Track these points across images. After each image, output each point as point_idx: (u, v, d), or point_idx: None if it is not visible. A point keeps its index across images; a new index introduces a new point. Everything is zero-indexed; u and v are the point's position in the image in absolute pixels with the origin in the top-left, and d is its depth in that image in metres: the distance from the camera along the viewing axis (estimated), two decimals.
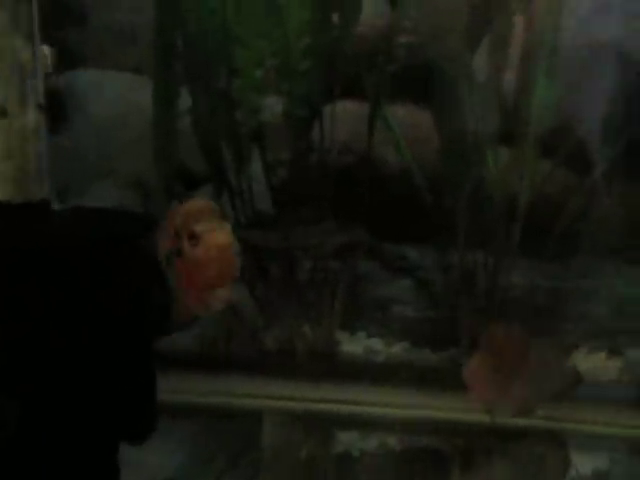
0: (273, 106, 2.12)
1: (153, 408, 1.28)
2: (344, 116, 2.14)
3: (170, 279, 1.22)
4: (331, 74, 2.09)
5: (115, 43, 2.42)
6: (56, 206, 1.42)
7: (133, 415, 1.21)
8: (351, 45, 2.09)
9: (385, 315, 2.19)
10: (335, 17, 2.09)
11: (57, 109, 2.31)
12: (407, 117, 2.18)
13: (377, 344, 2.16)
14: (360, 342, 2.18)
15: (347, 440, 2.01)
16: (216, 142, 2.14)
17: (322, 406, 2.01)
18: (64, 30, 2.34)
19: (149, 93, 2.14)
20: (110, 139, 2.36)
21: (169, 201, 2.18)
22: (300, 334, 2.14)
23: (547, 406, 1.90)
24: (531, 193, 2.05)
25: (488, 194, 2.06)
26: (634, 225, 2.13)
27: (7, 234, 1.22)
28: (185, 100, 2.16)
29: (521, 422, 1.89)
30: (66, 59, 2.35)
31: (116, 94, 2.39)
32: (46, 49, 1.96)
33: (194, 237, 1.19)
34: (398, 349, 2.16)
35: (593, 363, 2.06)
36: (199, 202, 1.22)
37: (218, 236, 1.18)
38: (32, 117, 1.85)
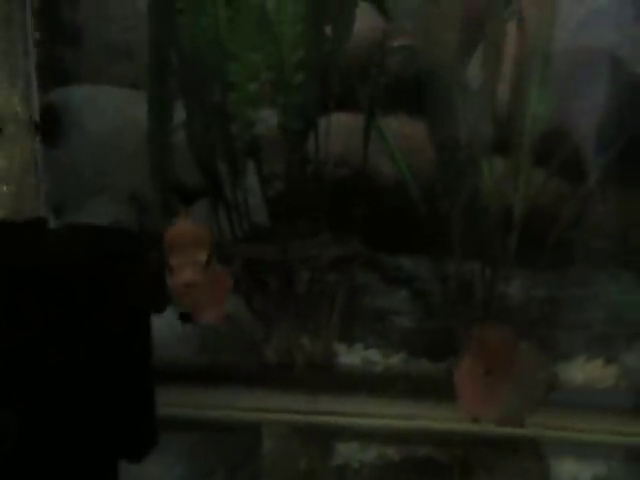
0: (268, 119, 2.15)
1: (152, 426, 1.31)
2: (339, 128, 2.17)
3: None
4: (325, 87, 2.12)
5: (111, 59, 2.45)
6: (52, 222, 1.45)
7: (131, 432, 1.24)
8: (344, 58, 2.13)
9: (382, 326, 2.21)
10: (328, 30, 2.13)
11: (52, 125, 2.34)
12: (401, 128, 2.21)
13: (375, 355, 2.19)
14: (358, 353, 2.21)
15: (346, 451, 2.02)
16: (211, 156, 2.17)
17: (321, 418, 2.03)
18: (59, 47, 2.38)
19: (145, 108, 2.17)
20: (106, 154, 2.39)
21: (165, 216, 2.21)
22: (298, 346, 2.16)
23: (543, 414, 1.94)
24: (526, 202, 2.08)
25: (483, 204, 2.09)
26: (629, 231, 2.16)
27: (3, 252, 1.25)
28: (180, 114, 2.20)
29: (518, 431, 1.92)
30: (61, 75, 2.39)
31: (112, 109, 2.41)
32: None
33: (169, 268, 1.20)
34: (396, 360, 2.18)
35: (590, 371, 2.09)
36: (183, 227, 1.22)
37: (185, 274, 1.18)
38: (27, 134, 1.89)
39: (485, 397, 1.29)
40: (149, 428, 1.31)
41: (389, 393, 2.04)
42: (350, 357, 2.19)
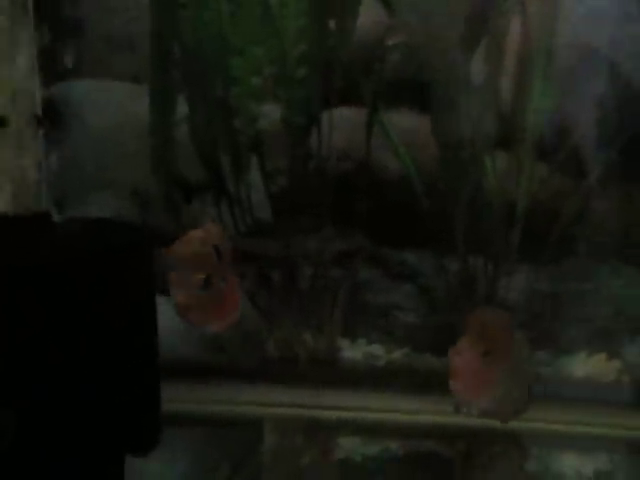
0: (271, 114, 2.17)
1: (157, 420, 1.32)
2: (342, 123, 2.19)
3: None
4: (328, 81, 2.15)
5: (112, 51, 2.46)
6: (55, 217, 1.46)
7: (137, 427, 1.25)
8: (348, 52, 2.15)
9: (386, 321, 2.24)
10: (332, 24, 2.16)
11: (54, 119, 2.36)
12: (404, 123, 2.23)
13: (378, 350, 2.22)
14: (361, 348, 2.24)
15: (349, 446, 2.06)
16: (214, 150, 2.20)
17: (324, 412, 2.07)
18: (61, 40, 2.39)
19: (147, 102, 2.20)
20: (107, 149, 2.40)
21: (168, 210, 2.23)
22: (301, 341, 2.19)
23: (544, 408, 1.97)
24: (529, 198, 2.10)
25: (486, 199, 2.12)
26: (630, 227, 2.18)
27: (10, 246, 1.26)
28: (182, 108, 2.22)
29: (520, 425, 1.95)
30: (63, 69, 2.41)
31: (114, 103, 2.43)
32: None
33: (169, 280, 1.19)
34: (399, 355, 2.21)
35: (593, 365, 2.11)
36: (187, 244, 1.18)
37: (179, 297, 1.17)
38: (30, 128, 1.91)
39: (480, 379, 1.29)
40: (155, 422, 1.33)
41: (392, 388, 2.07)
42: (353, 352, 2.22)
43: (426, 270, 2.23)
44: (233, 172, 2.19)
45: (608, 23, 2.10)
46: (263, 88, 2.14)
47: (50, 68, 2.29)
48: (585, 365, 2.13)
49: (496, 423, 1.97)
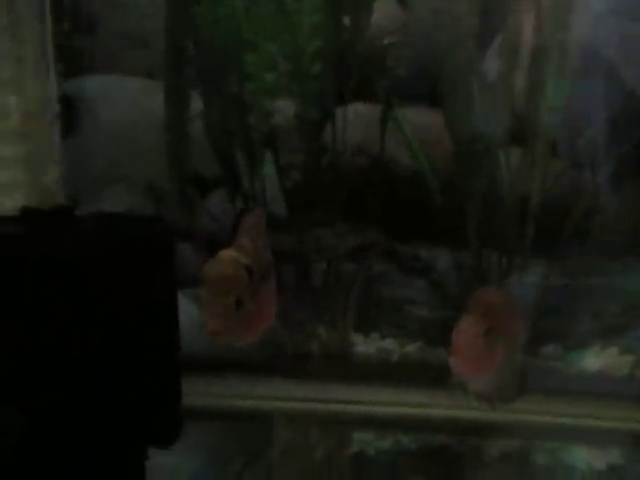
0: (285, 109, 2.21)
1: (179, 411, 1.35)
2: (356, 118, 2.24)
3: None
4: (342, 77, 2.19)
5: (127, 47, 2.50)
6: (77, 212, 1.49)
7: (159, 418, 1.27)
8: (362, 48, 2.19)
9: (399, 316, 2.27)
10: (346, 20, 2.19)
11: (68, 115, 2.40)
12: (418, 118, 2.27)
13: (391, 344, 2.25)
14: (374, 343, 2.27)
15: (362, 440, 2.10)
16: (229, 146, 2.24)
17: (337, 406, 2.10)
18: (75, 36, 2.43)
19: (162, 97, 2.24)
20: (121, 145, 2.44)
21: (182, 206, 2.27)
22: (315, 336, 2.23)
23: (556, 402, 2.01)
24: (542, 193, 2.14)
25: (500, 194, 2.15)
26: None
27: (33, 240, 1.31)
28: (197, 105, 2.26)
29: (532, 418, 2.00)
30: (77, 65, 2.45)
31: (128, 99, 2.47)
32: None
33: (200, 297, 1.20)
34: (412, 349, 2.25)
35: (605, 360, 2.15)
36: (217, 267, 1.14)
37: (209, 323, 1.13)
38: (47, 123, 1.96)
39: (481, 358, 1.26)
40: (176, 415, 1.37)
41: (405, 382, 2.10)
42: (366, 346, 2.26)
43: (440, 265, 2.26)
44: (247, 167, 2.23)
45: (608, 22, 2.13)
46: (277, 84, 2.17)
47: (65, 64, 2.33)
48: (597, 359, 2.16)
49: (509, 417, 2.02)
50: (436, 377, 1.89)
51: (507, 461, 1.97)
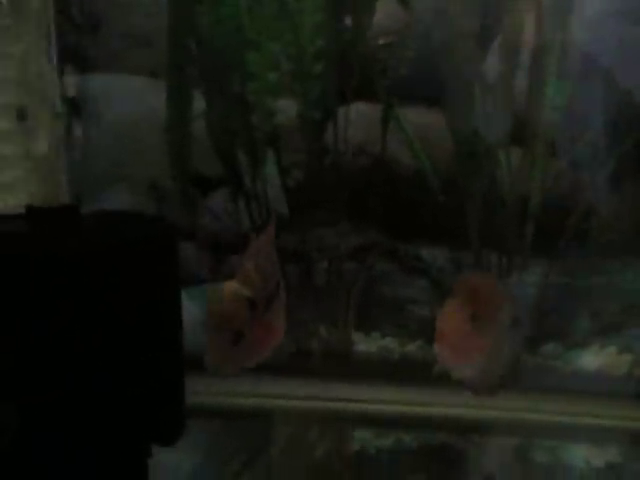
0: (287, 109, 2.23)
1: (182, 409, 1.36)
2: (358, 118, 2.26)
3: None
4: (344, 77, 2.21)
5: (130, 47, 2.52)
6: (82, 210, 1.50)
7: (163, 416, 1.28)
8: (364, 47, 2.20)
9: (400, 315, 2.29)
10: (348, 20, 2.21)
11: (70, 114, 2.42)
12: (419, 118, 2.29)
13: (392, 343, 2.27)
14: (375, 342, 2.29)
15: (363, 438, 2.11)
16: (231, 145, 2.26)
17: (338, 405, 2.13)
18: (78, 35, 2.45)
19: (163, 97, 2.26)
20: (125, 143, 2.46)
21: (184, 205, 2.29)
22: (316, 335, 2.25)
23: (555, 400, 2.03)
24: (542, 193, 2.16)
25: (501, 194, 2.17)
26: None
27: (38, 238, 1.32)
28: (199, 104, 2.27)
29: (533, 417, 2.02)
30: (80, 64, 2.47)
31: (131, 98, 2.49)
32: None
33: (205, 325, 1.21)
34: (413, 347, 2.27)
35: (604, 358, 2.17)
36: (218, 301, 1.17)
37: (210, 355, 1.16)
38: (51, 121, 1.98)
39: (467, 344, 1.27)
40: (179, 413, 1.38)
41: (406, 381, 2.12)
42: (367, 345, 2.28)
43: (441, 264, 2.28)
44: (250, 167, 2.26)
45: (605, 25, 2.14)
46: (280, 84, 2.19)
47: (67, 63, 2.35)
48: (596, 358, 2.18)
49: (509, 415, 2.04)
50: (437, 376, 1.91)
51: (506, 459, 1.99)
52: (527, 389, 2.11)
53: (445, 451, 2.00)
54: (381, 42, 2.21)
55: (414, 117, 2.30)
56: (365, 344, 2.30)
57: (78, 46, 2.48)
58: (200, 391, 2.03)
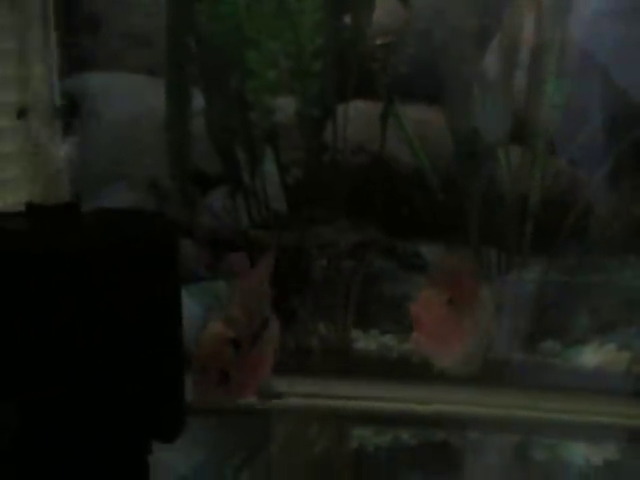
0: (286, 107, 2.24)
1: (183, 405, 1.37)
2: (357, 116, 2.26)
3: None
4: (343, 74, 2.21)
5: (129, 45, 2.53)
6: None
7: (163, 412, 1.28)
8: (363, 46, 2.21)
9: (399, 312, 2.29)
10: (347, 18, 2.22)
11: (70, 112, 2.43)
12: (418, 116, 2.30)
13: (390, 340, 2.28)
14: (374, 339, 2.30)
15: (362, 435, 2.12)
16: (230, 143, 2.27)
17: (337, 402, 2.13)
18: (77, 33, 2.46)
19: (163, 95, 2.26)
20: (123, 142, 2.47)
21: (184, 203, 2.30)
22: (315, 332, 2.25)
23: (554, 398, 2.04)
24: (541, 191, 2.17)
25: (500, 192, 2.18)
26: None
27: (39, 235, 1.33)
28: (198, 102, 2.28)
29: (532, 414, 2.03)
30: (79, 62, 2.48)
31: (130, 96, 2.50)
32: None
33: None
34: (411, 345, 2.27)
35: (603, 356, 2.18)
36: (202, 345, 1.16)
37: (194, 396, 1.16)
38: (51, 119, 1.99)
39: (445, 330, 1.21)
40: (179, 410, 1.39)
41: (404, 378, 2.12)
42: (366, 342, 2.29)
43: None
44: (249, 164, 2.26)
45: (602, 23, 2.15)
46: (279, 81, 2.20)
47: (67, 62, 2.36)
48: (595, 356, 2.19)
49: (509, 412, 2.05)
50: (435, 373, 1.92)
51: (506, 456, 2.00)
52: (526, 387, 2.12)
53: (444, 448, 2.01)
54: (379, 42, 2.22)
55: (414, 115, 2.31)
56: (364, 341, 2.31)
57: (78, 45, 2.49)
58: None
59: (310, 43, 2.20)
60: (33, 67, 2.10)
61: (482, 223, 2.20)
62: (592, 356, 2.21)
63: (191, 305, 2.08)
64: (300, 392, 2.13)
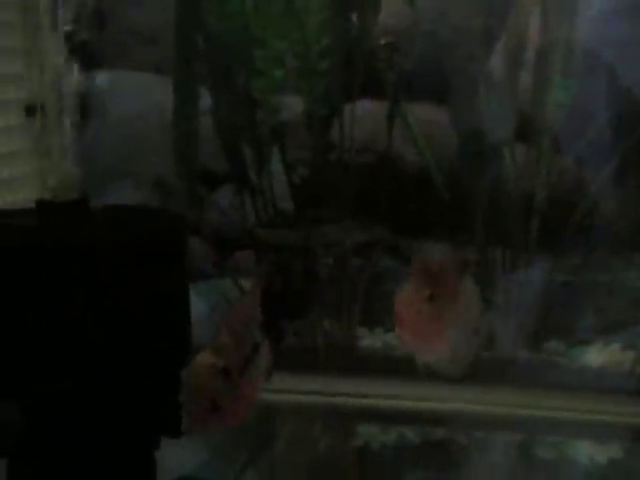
0: (293, 106, 2.25)
1: None
2: (364, 115, 2.28)
3: None
4: (350, 73, 2.23)
5: (136, 43, 2.54)
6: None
7: (171, 410, 1.30)
8: (369, 45, 2.23)
9: None
10: (354, 17, 2.23)
11: (78, 109, 2.44)
12: (424, 115, 2.31)
13: (395, 338, 2.29)
14: (379, 337, 2.31)
15: (367, 433, 2.14)
16: (237, 142, 2.28)
17: (342, 400, 2.14)
18: (85, 31, 2.48)
19: (170, 93, 2.27)
20: (130, 139, 2.49)
21: (191, 201, 2.31)
22: (320, 330, 2.27)
23: (559, 397, 2.05)
24: (547, 189, 2.18)
25: (505, 191, 2.19)
26: None
27: (49, 231, 1.34)
28: (205, 100, 2.30)
29: (537, 413, 2.04)
30: (86, 60, 2.49)
31: (136, 94, 2.51)
32: None
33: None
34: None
35: (608, 355, 2.19)
36: (192, 375, 1.17)
37: (185, 425, 1.17)
38: (61, 116, 2.00)
39: (427, 327, 1.21)
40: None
41: (409, 375, 2.13)
42: (371, 340, 2.30)
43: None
44: (255, 163, 2.28)
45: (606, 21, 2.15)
46: (286, 80, 2.21)
47: (76, 59, 2.37)
48: (599, 355, 2.20)
49: (513, 411, 2.06)
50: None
51: (510, 455, 2.01)
52: (530, 385, 2.13)
53: (448, 447, 2.01)
54: (382, 42, 2.24)
55: (419, 114, 2.33)
56: (369, 339, 2.32)
57: (85, 42, 2.50)
58: None
59: (317, 42, 2.21)
60: (42, 64, 2.12)
61: (488, 221, 2.22)
62: (596, 356, 2.22)
63: (197, 303, 2.09)
64: (305, 389, 2.14)
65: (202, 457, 1.88)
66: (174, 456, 1.65)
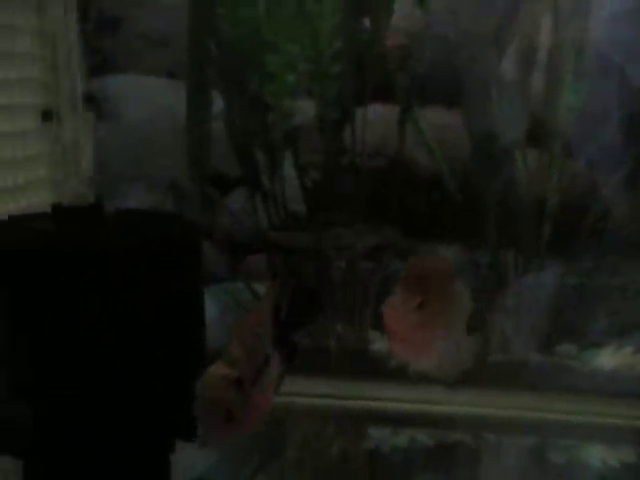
0: (305, 110, 2.26)
1: None
2: (376, 119, 2.29)
3: None
4: (362, 77, 2.24)
5: (148, 47, 2.55)
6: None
7: (185, 414, 1.31)
8: (381, 49, 2.23)
9: None
10: (366, 21, 2.24)
11: (93, 114, 2.46)
12: (436, 119, 2.32)
13: None
14: None
15: (378, 436, 2.14)
16: (249, 146, 2.30)
17: (353, 403, 2.15)
18: (98, 35, 2.49)
19: (183, 97, 2.29)
20: (143, 144, 2.50)
21: (203, 205, 2.33)
22: (333, 333, 2.28)
23: (570, 400, 2.05)
24: (559, 193, 2.18)
25: (518, 195, 2.20)
26: None
27: (64, 236, 1.36)
28: (217, 104, 2.31)
29: (549, 416, 2.04)
30: (100, 64, 2.51)
31: (149, 98, 2.52)
32: None
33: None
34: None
35: (620, 359, 2.19)
36: (205, 387, 1.16)
37: (200, 433, 1.16)
38: (76, 121, 2.02)
39: (418, 336, 1.18)
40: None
41: (420, 379, 2.14)
42: (383, 344, 2.30)
43: (457, 264, 2.30)
44: (268, 167, 2.29)
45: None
46: (298, 85, 2.22)
47: (88, 64, 2.39)
48: (611, 358, 2.20)
49: (525, 414, 2.06)
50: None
51: (523, 458, 2.01)
52: (542, 388, 2.13)
53: (460, 450, 2.02)
54: (389, 44, 2.24)
55: (431, 117, 2.33)
56: (381, 342, 2.32)
57: (98, 47, 2.52)
58: None
59: (329, 46, 2.22)
60: (58, 70, 2.14)
61: (500, 225, 2.22)
62: (608, 359, 2.22)
63: (208, 305, 2.10)
64: (317, 393, 2.15)
65: (213, 459, 1.89)
66: (185, 459, 1.66)
